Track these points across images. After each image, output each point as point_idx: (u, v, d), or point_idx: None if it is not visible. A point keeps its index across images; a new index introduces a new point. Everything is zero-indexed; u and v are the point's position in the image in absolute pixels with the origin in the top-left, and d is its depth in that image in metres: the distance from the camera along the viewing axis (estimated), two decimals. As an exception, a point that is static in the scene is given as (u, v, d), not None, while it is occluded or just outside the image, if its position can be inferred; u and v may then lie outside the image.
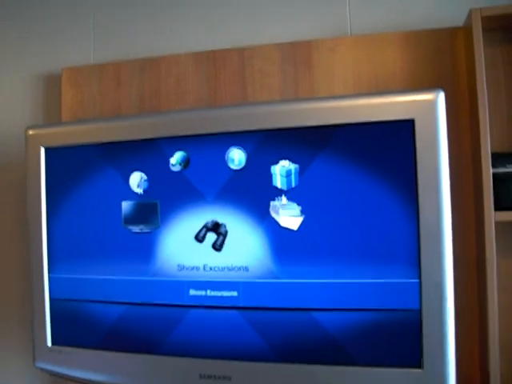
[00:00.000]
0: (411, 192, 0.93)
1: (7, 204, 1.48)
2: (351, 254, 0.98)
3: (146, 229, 1.10)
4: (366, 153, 0.97)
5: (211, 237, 1.05)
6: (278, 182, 1.02)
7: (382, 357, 0.97)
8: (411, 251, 0.94)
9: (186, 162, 1.07)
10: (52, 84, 1.46)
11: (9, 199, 1.47)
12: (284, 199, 1.01)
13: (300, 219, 1.00)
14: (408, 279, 0.94)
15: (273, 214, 1.02)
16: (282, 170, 1.01)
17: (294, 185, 1.01)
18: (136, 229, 1.11)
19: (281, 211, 1.01)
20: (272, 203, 1.02)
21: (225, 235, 1.03)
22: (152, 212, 1.10)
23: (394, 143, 0.95)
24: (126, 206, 1.12)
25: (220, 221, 1.03)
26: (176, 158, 1.08)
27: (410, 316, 0.94)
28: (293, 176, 1.01)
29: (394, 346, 0.96)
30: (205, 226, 1.04)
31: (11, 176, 1.45)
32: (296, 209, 1.00)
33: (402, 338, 0.95)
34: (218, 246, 1.03)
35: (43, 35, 1.49)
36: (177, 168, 1.08)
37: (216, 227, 1.03)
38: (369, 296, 0.97)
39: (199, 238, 1.04)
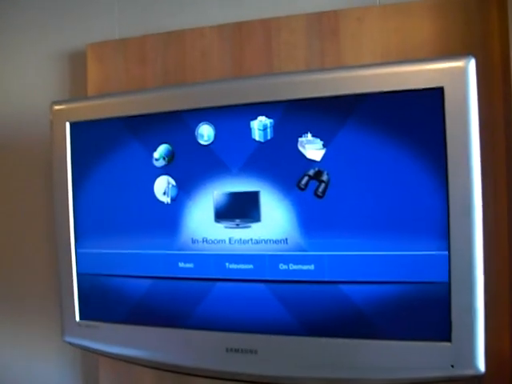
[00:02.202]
0: (440, 162, 0.91)
1: (35, 182, 1.49)
2: (379, 226, 0.96)
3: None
4: (394, 122, 0.95)
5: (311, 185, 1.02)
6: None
7: (410, 330, 0.96)
8: (440, 223, 0.92)
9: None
10: (77, 60, 1.46)
11: (37, 176, 1.49)
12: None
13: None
14: (437, 251, 0.93)
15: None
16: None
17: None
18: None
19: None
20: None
21: (327, 182, 0.99)
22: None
23: (422, 112, 0.93)
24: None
25: (322, 169, 1.00)
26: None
27: (439, 289, 0.93)
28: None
29: (422, 320, 0.95)
30: (306, 174, 1.01)
31: (40, 154, 1.46)
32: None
33: (431, 311, 0.94)
34: (320, 193, 1.00)
35: (67, 11, 1.48)
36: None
37: (318, 175, 1.00)
38: (397, 268, 0.96)
39: (301, 186, 1.01)
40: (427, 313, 0.95)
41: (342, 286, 0.99)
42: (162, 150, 1.11)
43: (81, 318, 1.20)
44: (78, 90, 1.46)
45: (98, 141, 1.17)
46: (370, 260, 0.97)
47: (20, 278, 1.53)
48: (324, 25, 1.20)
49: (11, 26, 1.55)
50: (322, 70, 1.13)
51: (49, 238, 1.42)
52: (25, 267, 1.52)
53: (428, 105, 0.92)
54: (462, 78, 0.90)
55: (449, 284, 0.92)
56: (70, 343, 1.22)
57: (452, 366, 0.92)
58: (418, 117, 0.93)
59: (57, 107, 1.21)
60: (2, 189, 1.56)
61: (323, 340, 1.00)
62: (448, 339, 0.92)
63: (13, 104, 1.54)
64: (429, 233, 0.93)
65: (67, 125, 1.18)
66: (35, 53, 1.52)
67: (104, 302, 1.18)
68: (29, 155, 1.51)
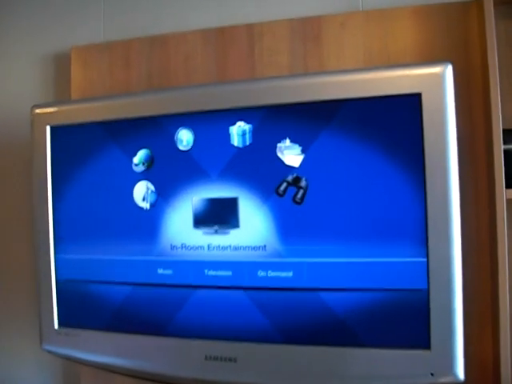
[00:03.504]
0: (418, 168, 0.91)
1: (17, 186, 1.48)
2: (358, 233, 0.96)
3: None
4: (373, 128, 0.94)
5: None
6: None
7: (389, 338, 0.95)
8: (418, 230, 0.91)
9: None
10: (62, 63, 1.45)
11: (19, 181, 1.47)
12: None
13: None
14: (415, 258, 0.92)
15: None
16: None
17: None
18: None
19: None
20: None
21: (305, 189, 0.99)
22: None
23: (400, 118, 0.93)
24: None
25: (300, 175, 1.00)
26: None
27: (418, 296, 0.92)
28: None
29: (401, 327, 0.94)
30: (285, 180, 1.00)
31: (21, 157, 1.45)
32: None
33: (410, 319, 0.93)
34: (298, 200, 0.99)
35: (53, 14, 1.47)
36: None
37: (297, 181, 0.99)
38: (375, 275, 0.95)
39: (280, 192, 1.00)
40: (406, 320, 0.94)
41: (320, 293, 0.98)
42: (141, 155, 1.10)
43: (60, 326, 1.18)
44: (62, 92, 1.45)
45: (78, 145, 1.16)
46: (349, 267, 0.96)
47: (0, 283, 1.51)
48: (307, 30, 1.20)
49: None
50: (301, 75, 1.12)
51: (29, 242, 1.40)
52: (4, 272, 1.50)
53: (406, 111, 0.92)
54: (439, 84, 0.89)
55: (428, 291, 0.91)
56: (49, 351, 1.20)
57: (432, 374, 0.92)
58: (397, 123, 0.93)
59: (37, 111, 1.20)
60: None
61: (302, 348, 0.99)
62: (427, 347, 0.92)
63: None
64: (407, 239, 0.93)
65: (47, 128, 1.17)
66: (20, 54, 1.51)
67: (83, 309, 1.17)
68: (11, 158, 1.49)
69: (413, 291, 0.93)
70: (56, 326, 1.18)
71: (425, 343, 0.92)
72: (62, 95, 1.44)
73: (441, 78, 0.89)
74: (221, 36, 1.26)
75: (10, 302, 1.50)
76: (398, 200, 0.93)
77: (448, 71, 0.89)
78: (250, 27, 1.24)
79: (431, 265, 0.91)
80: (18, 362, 1.50)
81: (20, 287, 1.47)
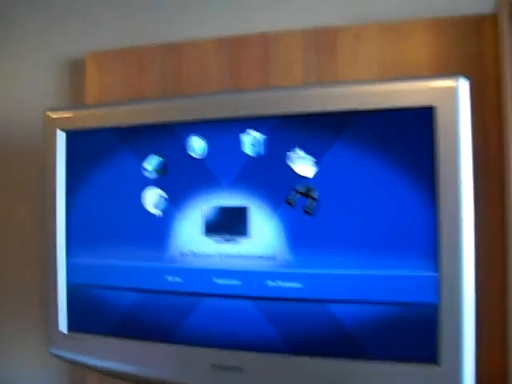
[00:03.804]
0: (430, 181, 0.90)
1: (31, 190, 1.49)
2: (368, 245, 0.95)
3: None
4: (385, 141, 0.94)
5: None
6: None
7: (397, 352, 0.94)
8: (430, 244, 0.90)
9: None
10: (76, 69, 1.46)
11: (32, 185, 1.48)
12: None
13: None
14: (426, 272, 0.91)
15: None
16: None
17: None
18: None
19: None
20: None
21: (316, 199, 0.98)
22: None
23: (413, 131, 0.92)
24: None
25: (311, 185, 0.99)
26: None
27: (428, 310, 0.91)
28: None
29: (410, 342, 0.93)
30: (296, 190, 0.99)
31: (35, 161, 1.45)
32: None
33: (419, 333, 0.92)
34: (309, 210, 0.98)
35: (68, 20, 1.49)
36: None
37: (308, 191, 0.99)
38: (385, 288, 0.94)
39: (290, 202, 1.00)
40: (415, 334, 0.93)
41: (329, 305, 0.98)
42: (153, 161, 1.11)
43: (67, 330, 1.18)
44: (76, 98, 1.46)
45: (90, 150, 1.17)
46: (359, 279, 0.96)
47: (8, 287, 1.52)
48: (321, 41, 1.20)
49: (12, 33, 1.55)
50: (314, 85, 1.12)
51: (39, 246, 1.40)
52: (14, 275, 1.51)
53: (419, 124, 0.91)
54: (453, 98, 0.88)
55: (438, 305, 0.90)
56: (56, 355, 1.20)
57: (440, 390, 0.90)
58: (409, 136, 0.92)
59: (49, 115, 1.20)
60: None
61: (309, 360, 0.99)
62: (436, 362, 0.90)
63: (12, 111, 1.54)
64: (418, 253, 0.92)
65: (59, 133, 1.18)
66: (35, 60, 1.52)
67: (91, 314, 1.17)
68: (25, 163, 1.50)
69: (423, 305, 0.92)
70: (64, 330, 1.18)
71: (434, 358, 0.90)
72: (76, 101, 1.45)
73: (455, 91, 0.89)
74: (235, 44, 1.27)
75: (19, 306, 1.50)
76: (409, 213, 0.92)
77: (462, 84, 0.89)
78: (263, 36, 1.25)
79: (442, 279, 0.89)
80: (25, 366, 1.50)
81: (29, 290, 1.48)
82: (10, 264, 1.52)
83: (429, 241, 0.91)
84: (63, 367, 1.43)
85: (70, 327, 1.18)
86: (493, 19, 1.05)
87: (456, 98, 0.89)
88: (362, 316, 0.96)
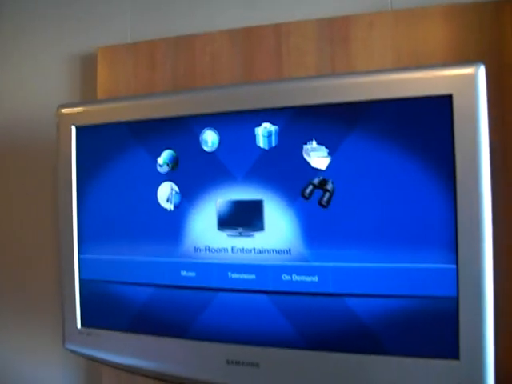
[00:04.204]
0: (449, 172, 0.88)
1: (43, 185, 1.49)
2: (385, 238, 0.93)
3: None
4: (402, 131, 0.92)
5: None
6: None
7: (415, 346, 0.92)
8: (448, 235, 0.88)
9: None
10: (88, 64, 1.45)
11: (45, 180, 1.48)
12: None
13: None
14: (445, 264, 0.89)
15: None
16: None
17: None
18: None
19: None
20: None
21: (332, 192, 0.96)
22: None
23: (430, 120, 0.90)
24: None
25: (327, 178, 0.97)
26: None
27: (447, 304, 0.89)
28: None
29: (428, 336, 0.91)
30: (311, 183, 0.98)
31: (48, 157, 1.45)
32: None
33: (438, 327, 0.90)
34: (324, 203, 0.97)
35: (80, 15, 1.48)
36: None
37: (323, 184, 0.97)
38: (403, 282, 0.92)
39: (305, 194, 0.98)
40: (434, 328, 0.91)
41: (346, 299, 0.96)
42: (165, 155, 1.10)
43: (82, 325, 1.18)
44: (88, 93, 1.45)
45: (102, 145, 1.16)
46: (376, 272, 0.94)
47: (25, 282, 1.52)
48: (335, 30, 1.17)
49: (24, 28, 1.55)
50: (328, 76, 1.10)
51: (54, 242, 1.41)
52: (30, 271, 1.52)
53: (436, 113, 0.89)
54: (471, 86, 0.86)
55: (457, 299, 0.88)
56: (71, 350, 1.20)
57: (460, 385, 0.88)
58: (426, 125, 0.90)
59: (63, 110, 1.20)
60: (9, 191, 1.55)
61: (326, 354, 0.97)
62: (456, 357, 0.88)
63: (24, 105, 1.54)
64: (436, 245, 0.90)
65: (73, 128, 1.17)
66: (47, 55, 1.52)
67: (106, 310, 1.16)
68: (37, 158, 1.50)
69: (441, 299, 0.90)
70: (79, 326, 1.18)
71: (453, 353, 0.88)
72: (88, 96, 1.45)
73: (473, 78, 0.86)
74: (248, 36, 1.25)
75: (36, 301, 1.50)
76: (427, 204, 0.90)
77: (481, 72, 0.86)
78: (276, 27, 1.23)
79: (461, 271, 0.88)
80: (42, 361, 1.51)
81: (45, 286, 1.48)
82: (26, 259, 1.53)
83: (447, 232, 0.89)
84: (80, 363, 1.44)
85: (85, 323, 1.18)
86: (511, 4, 1.02)
87: (475, 86, 0.86)
88: (379, 310, 0.94)
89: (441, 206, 0.89)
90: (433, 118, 0.90)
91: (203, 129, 1.06)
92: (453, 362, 0.89)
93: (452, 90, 0.87)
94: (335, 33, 1.17)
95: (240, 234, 1.03)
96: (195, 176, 1.07)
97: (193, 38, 1.30)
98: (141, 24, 1.41)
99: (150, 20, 1.41)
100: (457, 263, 0.88)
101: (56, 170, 1.22)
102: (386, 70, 1.00)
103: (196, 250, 1.07)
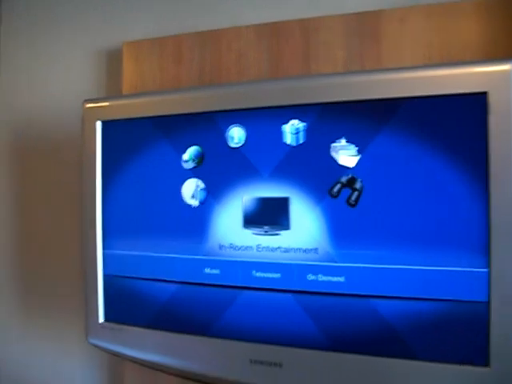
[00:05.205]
0: (482, 172, 0.85)
1: (69, 180, 1.49)
2: (415, 239, 0.91)
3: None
4: (433, 129, 0.89)
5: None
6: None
7: (443, 352, 0.89)
8: (480, 238, 0.86)
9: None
10: (114, 59, 1.45)
11: (71, 175, 1.48)
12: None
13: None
14: (476, 268, 0.87)
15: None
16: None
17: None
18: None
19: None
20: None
21: (360, 191, 0.95)
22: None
23: (464, 119, 0.87)
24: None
25: (355, 176, 0.95)
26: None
27: (477, 308, 0.87)
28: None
29: (458, 341, 0.89)
30: (339, 182, 0.96)
31: (74, 151, 1.46)
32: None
33: (468, 333, 0.88)
34: (352, 202, 0.95)
35: (106, 10, 1.48)
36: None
37: (351, 182, 0.95)
38: (432, 285, 0.90)
39: (333, 193, 0.97)
40: (464, 334, 0.88)
41: (372, 301, 0.94)
42: (191, 151, 1.09)
43: (105, 320, 1.18)
44: (114, 88, 1.45)
45: (127, 140, 1.15)
46: (404, 274, 0.92)
47: (50, 277, 1.53)
48: (364, 25, 1.15)
49: (50, 23, 1.55)
50: (358, 72, 1.07)
51: (78, 237, 1.41)
52: (55, 266, 1.52)
53: (470, 111, 0.86)
54: (507, 83, 0.83)
55: (488, 304, 0.86)
56: (94, 345, 1.20)
57: (490, 393, 0.86)
58: (460, 123, 0.87)
59: (88, 105, 1.19)
60: (35, 185, 1.56)
61: (351, 356, 0.95)
62: (486, 364, 0.86)
63: (50, 101, 1.54)
64: (468, 248, 0.87)
65: (98, 123, 1.17)
66: (74, 51, 1.52)
67: (129, 305, 1.16)
68: (64, 152, 1.51)
69: (472, 303, 0.87)
70: (101, 320, 1.18)
71: (483, 360, 0.86)
72: (113, 91, 1.44)
73: (509, 75, 0.84)
74: (275, 32, 1.23)
75: (60, 295, 1.51)
76: (459, 206, 0.88)
77: (518, 69, 0.84)
78: (304, 22, 1.20)
79: (493, 276, 0.85)
80: (65, 355, 1.52)
81: (69, 280, 1.49)
82: (51, 254, 1.53)
83: (479, 235, 0.86)
84: (103, 358, 1.44)
85: (109, 317, 1.18)
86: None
87: (511, 83, 0.83)
88: (405, 313, 0.92)
89: (473, 207, 0.86)
90: (467, 117, 0.87)
91: (230, 125, 1.05)
92: (482, 369, 0.86)
93: (487, 87, 0.84)
94: (364, 28, 1.15)
95: (266, 233, 1.02)
96: (221, 172, 1.06)
97: (219, 33, 1.29)
98: (166, 19, 1.41)
99: (176, 15, 1.40)
100: (489, 267, 0.85)
101: (82, 165, 1.21)
102: (419, 67, 0.96)
103: (220, 247, 1.06)
